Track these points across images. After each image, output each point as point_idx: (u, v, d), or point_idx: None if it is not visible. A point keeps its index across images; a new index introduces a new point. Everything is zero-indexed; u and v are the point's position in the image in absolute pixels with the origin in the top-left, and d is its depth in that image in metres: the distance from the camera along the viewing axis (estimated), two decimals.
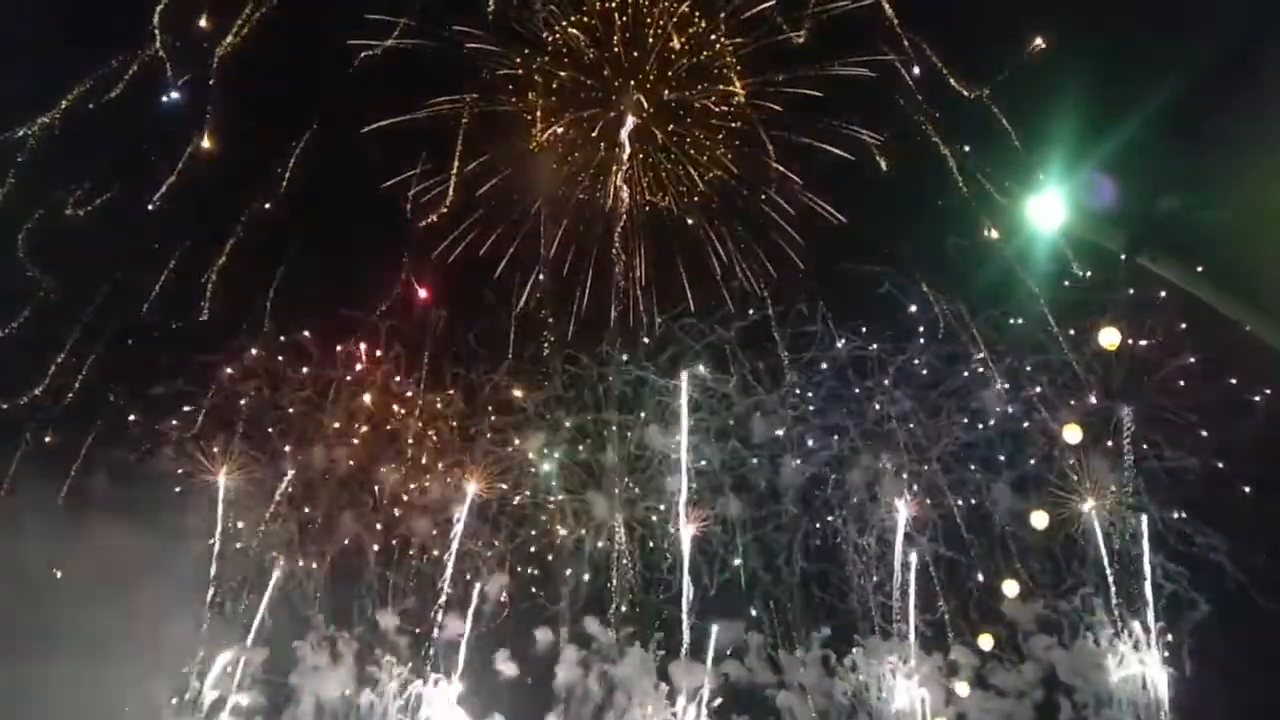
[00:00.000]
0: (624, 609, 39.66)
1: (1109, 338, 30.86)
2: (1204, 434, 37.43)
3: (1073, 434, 36.39)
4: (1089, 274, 34.26)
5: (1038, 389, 38.26)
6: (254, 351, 36.66)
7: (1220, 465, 37.28)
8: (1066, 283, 35.58)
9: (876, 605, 40.23)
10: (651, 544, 40.10)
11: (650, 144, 36.34)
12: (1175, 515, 38.39)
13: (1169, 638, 38.22)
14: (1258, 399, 36.21)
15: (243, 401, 37.93)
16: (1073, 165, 25.06)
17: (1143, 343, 36.60)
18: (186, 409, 36.67)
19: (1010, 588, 38.75)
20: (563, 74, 35.04)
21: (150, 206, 32.94)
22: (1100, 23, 26.07)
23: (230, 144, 33.47)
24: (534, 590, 39.76)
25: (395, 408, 38.65)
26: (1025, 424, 39.07)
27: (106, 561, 34.06)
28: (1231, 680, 35.74)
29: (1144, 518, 38.31)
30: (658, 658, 39.35)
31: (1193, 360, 36.79)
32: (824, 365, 39.10)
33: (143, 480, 36.38)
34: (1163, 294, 34.95)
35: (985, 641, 38.94)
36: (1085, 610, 39.15)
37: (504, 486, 39.14)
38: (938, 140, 33.62)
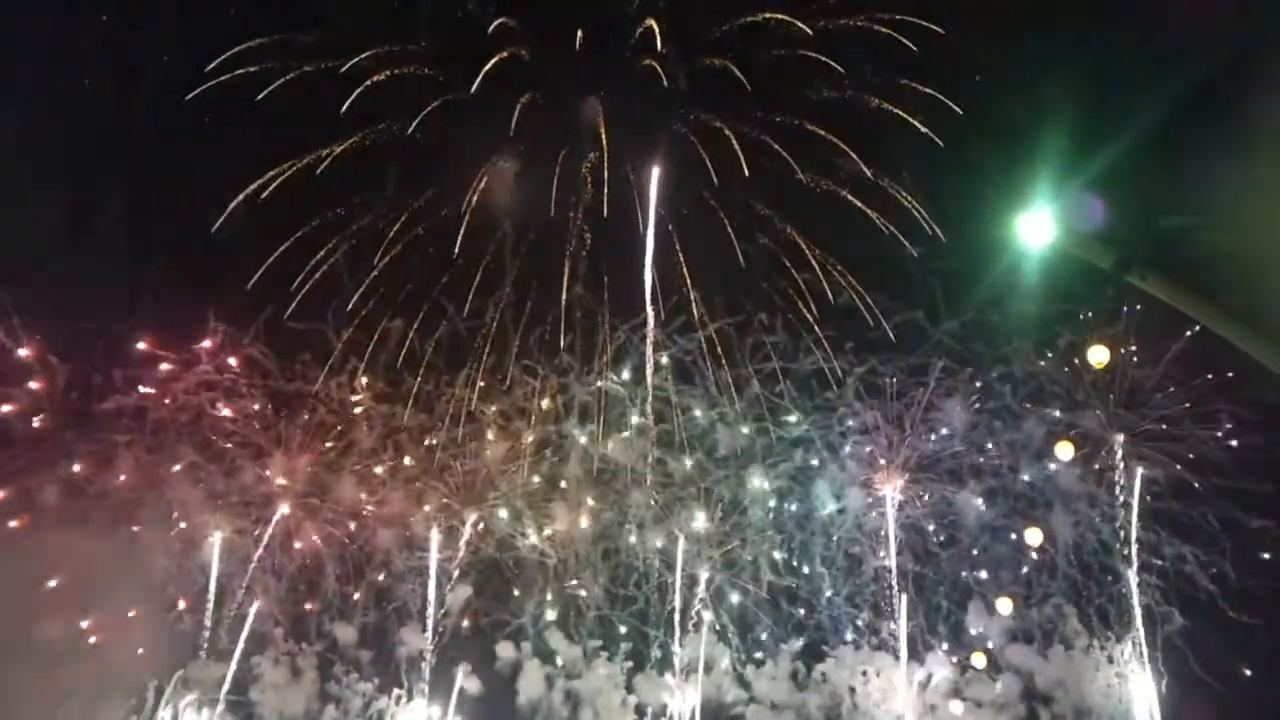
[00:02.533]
0: (589, 623, 39.38)
1: (1098, 356, 30.56)
2: (1174, 445, 37.30)
3: (1065, 450, 36.03)
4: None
5: (1003, 401, 37.95)
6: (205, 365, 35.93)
7: (1190, 476, 37.22)
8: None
9: (847, 618, 39.97)
10: (616, 557, 39.64)
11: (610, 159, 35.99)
12: (1145, 526, 38.14)
13: (1144, 649, 37.86)
14: (1225, 412, 35.99)
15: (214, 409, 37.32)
16: (1062, 182, 24.88)
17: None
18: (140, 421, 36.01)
19: (1004, 605, 38.31)
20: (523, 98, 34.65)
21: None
22: (1091, 39, 26.07)
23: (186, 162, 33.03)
24: (497, 604, 39.21)
25: (352, 418, 38.12)
26: (992, 437, 38.72)
27: (60, 575, 33.68)
28: (1205, 689, 35.81)
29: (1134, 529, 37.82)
30: (624, 670, 39.08)
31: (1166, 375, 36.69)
32: (786, 377, 38.70)
33: (97, 493, 35.86)
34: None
35: (978, 660, 38.65)
36: (1059, 617, 38.90)
37: (461, 503, 38.57)
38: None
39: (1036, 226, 24.73)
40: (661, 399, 38.68)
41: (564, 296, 36.53)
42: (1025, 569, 39.32)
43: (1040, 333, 37.03)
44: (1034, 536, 37.38)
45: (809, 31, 33.47)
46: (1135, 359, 36.39)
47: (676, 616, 39.05)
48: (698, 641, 39.10)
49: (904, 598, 39.03)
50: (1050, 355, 37.26)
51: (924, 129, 33.63)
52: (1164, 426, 37.11)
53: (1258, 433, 35.62)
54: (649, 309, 37.59)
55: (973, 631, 39.48)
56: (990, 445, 38.65)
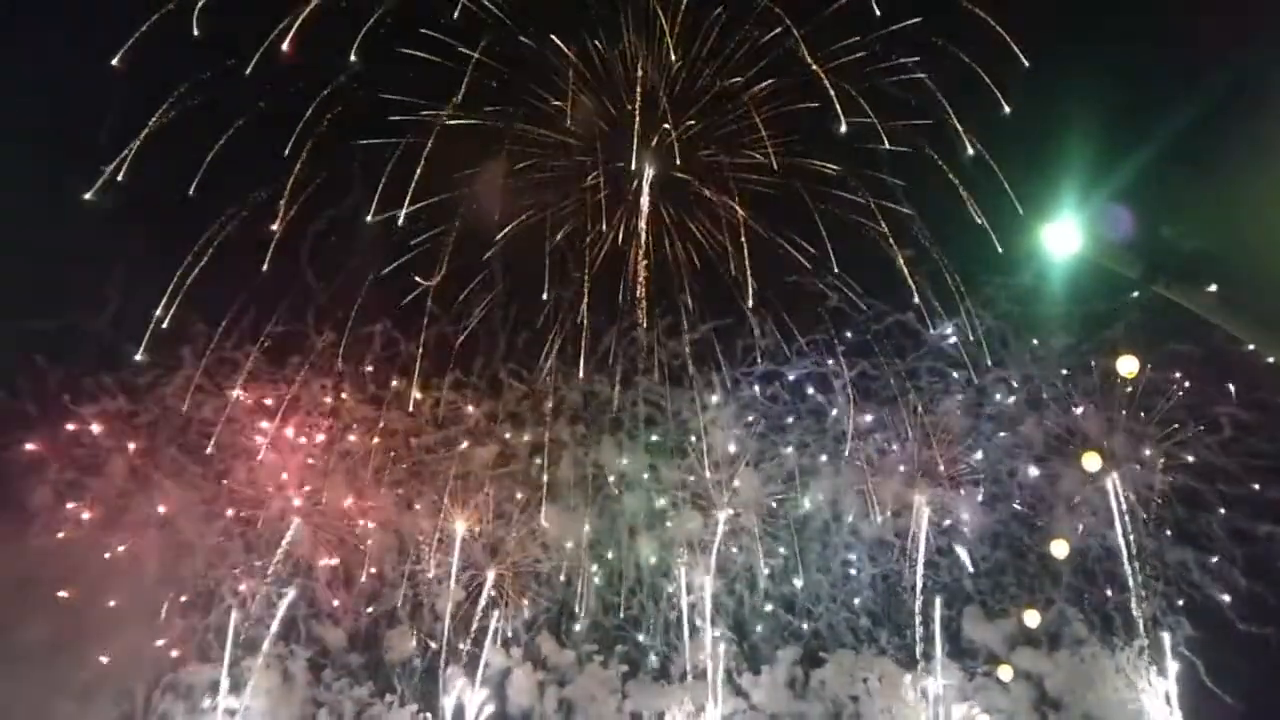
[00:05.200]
0: (582, 628, 39.06)
1: (1128, 365, 30.01)
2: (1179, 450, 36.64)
3: (1091, 461, 35.32)
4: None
5: (999, 405, 37.34)
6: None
7: (1196, 483, 36.48)
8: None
9: (846, 624, 39.39)
10: (609, 564, 39.30)
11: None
12: (1152, 534, 37.41)
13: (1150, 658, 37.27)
14: (1228, 416, 35.29)
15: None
16: (1088, 192, 24.57)
17: None
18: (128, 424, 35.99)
19: (1031, 617, 37.71)
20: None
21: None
22: (1117, 52, 25.74)
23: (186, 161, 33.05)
24: (490, 607, 38.89)
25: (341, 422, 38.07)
26: (989, 441, 38.09)
27: (49, 577, 33.71)
28: (1215, 700, 35.52)
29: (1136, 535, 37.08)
30: (619, 676, 38.71)
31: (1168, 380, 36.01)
32: (778, 380, 38.27)
33: (88, 494, 35.79)
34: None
35: (1005, 672, 37.95)
36: (1065, 623, 38.23)
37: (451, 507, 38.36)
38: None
39: (1062, 236, 24.44)
40: (652, 403, 38.56)
41: (550, 299, 36.30)
42: (1031, 576, 38.80)
43: (1038, 336, 36.57)
44: (1059, 549, 36.55)
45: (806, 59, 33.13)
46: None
47: (681, 623, 38.72)
48: (694, 648, 38.62)
49: (919, 603, 38.63)
50: (1046, 359, 36.78)
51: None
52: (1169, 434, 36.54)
53: (1263, 438, 35.08)
54: (640, 312, 37.39)
55: (976, 639, 38.75)
56: (987, 450, 38.10)
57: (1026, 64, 30.54)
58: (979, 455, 38.47)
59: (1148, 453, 36.58)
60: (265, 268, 33.59)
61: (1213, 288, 24.70)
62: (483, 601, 38.86)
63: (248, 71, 31.13)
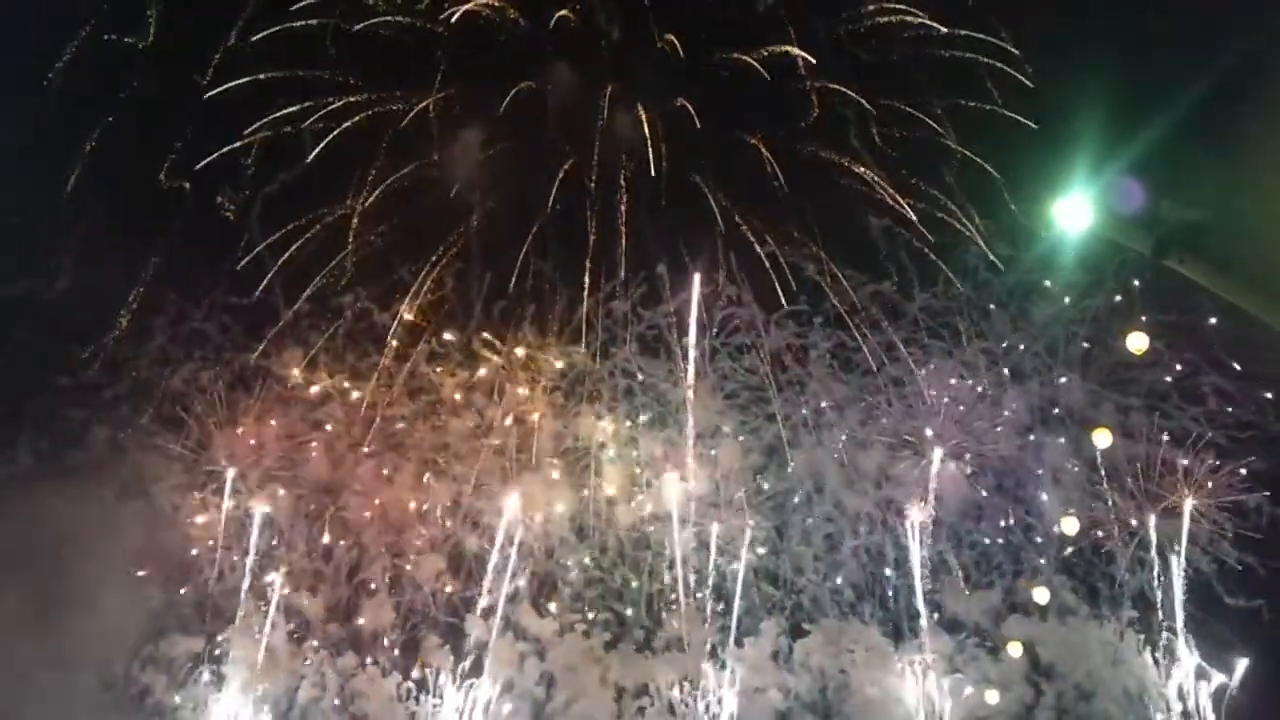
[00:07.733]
0: (563, 599, 39.02)
1: (1137, 342, 29.61)
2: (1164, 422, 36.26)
3: (1102, 438, 34.82)
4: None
5: (981, 376, 36.99)
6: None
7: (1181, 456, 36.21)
8: None
9: (828, 595, 39.20)
10: (589, 535, 39.23)
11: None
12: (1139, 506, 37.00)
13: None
14: (1211, 385, 34.87)
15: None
16: (1099, 166, 24.13)
17: None
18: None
19: (1041, 594, 37.31)
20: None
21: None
22: (1130, 21, 25.14)
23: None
24: (469, 580, 38.84)
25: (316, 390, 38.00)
26: (971, 413, 37.70)
27: (30, 545, 33.79)
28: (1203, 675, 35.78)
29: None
30: (602, 645, 38.68)
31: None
32: (756, 351, 37.97)
33: (72, 464, 35.76)
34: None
35: (1014, 648, 37.59)
36: (1055, 598, 37.84)
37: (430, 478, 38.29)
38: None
39: (1073, 211, 24.00)
40: (629, 374, 38.35)
41: (529, 269, 36.01)
42: (1016, 547, 38.52)
43: (1016, 307, 36.25)
44: (1070, 525, 36.16)
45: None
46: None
47: (663, 594, 38.60)
48: (676, 619, 38.53)
49: (904, 575, 38.47)
50: (1028, 330, 36.40)
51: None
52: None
53: (1249, 410, 34.72)
54: (620, 282, 37.13)
55: (960, 612, 38.51)
56: (969, 422, 37.72)
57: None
58: (961, 428, 38.05)
59: (1134, 425, 36.17)
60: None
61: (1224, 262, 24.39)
62: (463, 572, 38.77)
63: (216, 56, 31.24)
